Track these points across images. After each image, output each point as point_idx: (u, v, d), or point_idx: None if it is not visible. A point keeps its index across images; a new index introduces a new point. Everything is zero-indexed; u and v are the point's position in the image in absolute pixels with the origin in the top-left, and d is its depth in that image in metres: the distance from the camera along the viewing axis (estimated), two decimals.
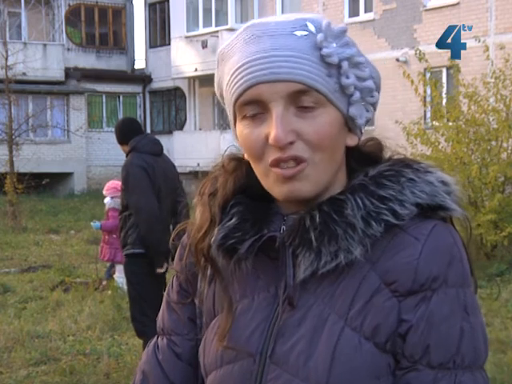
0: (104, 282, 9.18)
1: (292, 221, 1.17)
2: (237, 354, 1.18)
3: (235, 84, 1.13)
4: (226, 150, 1.29)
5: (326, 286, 1.14)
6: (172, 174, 5.52)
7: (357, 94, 1.14)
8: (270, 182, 1.15)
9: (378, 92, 1.20)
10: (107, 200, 9.00)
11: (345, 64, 1.12)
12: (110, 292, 8.60)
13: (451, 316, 1.11)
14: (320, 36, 1.11)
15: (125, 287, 8.92)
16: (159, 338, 1.36)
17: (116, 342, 6.60)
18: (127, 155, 5.37)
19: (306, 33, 1.12)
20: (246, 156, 1.20)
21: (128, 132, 5.43)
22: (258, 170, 1.17)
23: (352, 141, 1.19)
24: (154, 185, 5.23)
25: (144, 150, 5.31)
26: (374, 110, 1.21)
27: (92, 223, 9.19)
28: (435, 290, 1.11)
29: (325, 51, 1.11)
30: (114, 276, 9.19)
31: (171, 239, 1.43)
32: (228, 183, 1.24)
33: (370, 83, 1.16)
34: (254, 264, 1.19)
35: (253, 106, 1.13)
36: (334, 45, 1.12)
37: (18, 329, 6.97)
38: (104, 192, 9.12)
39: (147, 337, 5.06)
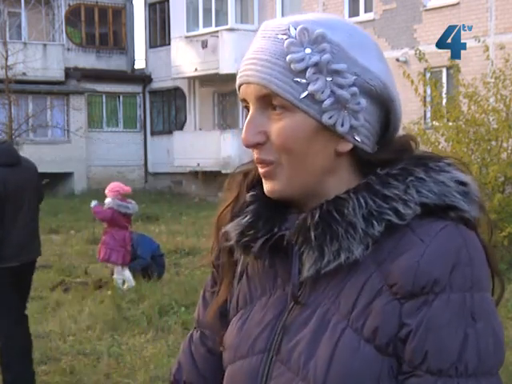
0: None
1: (300, 219, 1.19)
2: (248, 350, 1.21)
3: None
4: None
5: (334, 285, 1.15)
6: (31, 183, 5.24)
7: (328, 101, 1.13)
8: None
9: (381, 100, 1.17)
10: (107, 200, 9.05)
11: (310, 71, 1.11)
12: (109, 292, 8.60)
13: (453, 322, 1.08)
14: (288, 41, 1.12)
15: (124, 287, 8.97)
16: (194, 330, 1.40)
17: (116, 342, 6.60)
18: None
19: (285, 37, 1.13)
20: None
21: None
22: None
23: (343, 147, 1.17)
24: (4, 198, 4.93)
25: None
26: (393, 117, 1.20)
27: (93, 200, 9.28)
28: (437, 293, 1.08)
29: (289, 57, 1.12)
30: (113, 276, 9.20)
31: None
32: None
33: (345, 92, 1.13)
34: (271, 261, 1.21)
35: (244, 103, 1.20)
36: (309, 50, 1.12)
37: None
38: (106, 192, 9.16)
39: None
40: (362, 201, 1.13)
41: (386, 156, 1.19)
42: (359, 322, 1.11)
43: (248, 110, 1.19)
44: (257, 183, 1.26)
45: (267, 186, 1.19)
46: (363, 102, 1.15)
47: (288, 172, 1.16)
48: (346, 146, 1.17)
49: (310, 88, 1.12)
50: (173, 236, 13.38)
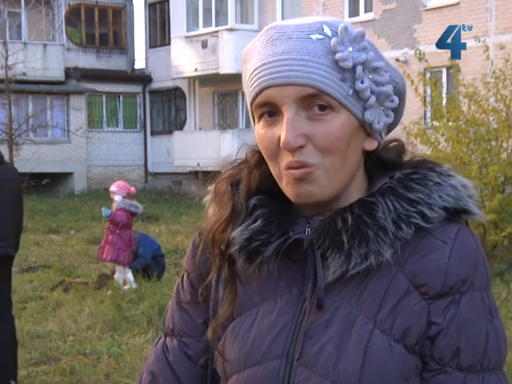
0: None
1: (318, 223, 1.18)
2: (262, 357, 1.18)
3: (251, 86, 1.15)
4: (239, 149, 1.31)
5: (352, 288, 1.15)
6: (10, 183, 5.27)
7: (372, 99, 1.14)
8: (284, 184, 1.16)
9: (401, 97, 1.20)
10: (118, 198, 8.99)
11: (359, 68, 1.12)
12: (109, 292, 8.60)
13: (478, 319, 1.14)
14: (334, 40, 1.11)
15: (125, 287, 8.96)
16: (168, 339, 1.34)
17: (116, 342, 6.60)
18: None
19: (321, 36, 1.12)
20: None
21: None
22: (273, 170, 1.18)
23: (370, 145, 1.18)
24: None
25: None
26: (397, 115, 1.22)
27: (103, 209, 9.17)
28: (463, 293, 1.13)
29: (338, 55, 1.11)
30: (114, 276, 9.20)
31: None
32: (253, 175, 1.24)
33: (387, 88, 1.15)
34: (275, 266, 1.19)
35: (267, 108, 1.15)
36: (350, 49, 1.12)
37: (18, 329, 6.95)
38: (114, 189, 9.09)
39: None
40: (390, 204, 1.15)
41: (389, 155, 1.22)
42: (387, 323, 1.13)
43: (269, 116, 1.14)
44: (255, 189, 1.23)
45: (301, 190, 1.13)
46: (396, 99, 1.17)
47: (329, 174, 1.13)
48: (372, 145, 1.19)
49: (358, 86, 1.12)
50: (173, 236, 13.38)
